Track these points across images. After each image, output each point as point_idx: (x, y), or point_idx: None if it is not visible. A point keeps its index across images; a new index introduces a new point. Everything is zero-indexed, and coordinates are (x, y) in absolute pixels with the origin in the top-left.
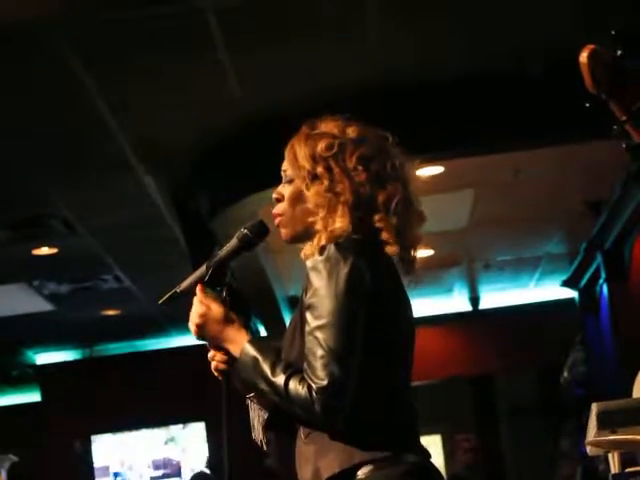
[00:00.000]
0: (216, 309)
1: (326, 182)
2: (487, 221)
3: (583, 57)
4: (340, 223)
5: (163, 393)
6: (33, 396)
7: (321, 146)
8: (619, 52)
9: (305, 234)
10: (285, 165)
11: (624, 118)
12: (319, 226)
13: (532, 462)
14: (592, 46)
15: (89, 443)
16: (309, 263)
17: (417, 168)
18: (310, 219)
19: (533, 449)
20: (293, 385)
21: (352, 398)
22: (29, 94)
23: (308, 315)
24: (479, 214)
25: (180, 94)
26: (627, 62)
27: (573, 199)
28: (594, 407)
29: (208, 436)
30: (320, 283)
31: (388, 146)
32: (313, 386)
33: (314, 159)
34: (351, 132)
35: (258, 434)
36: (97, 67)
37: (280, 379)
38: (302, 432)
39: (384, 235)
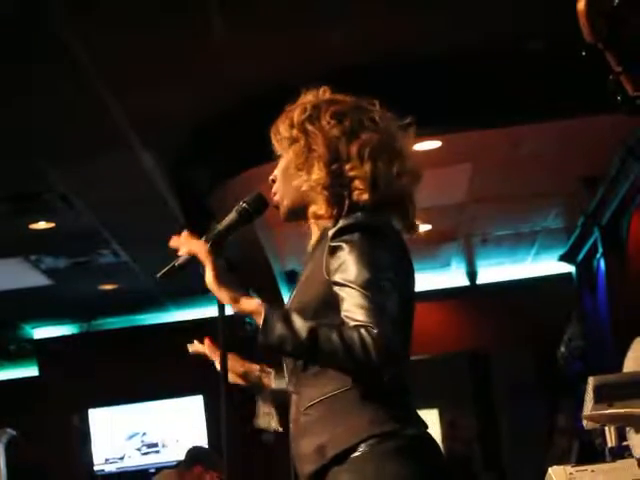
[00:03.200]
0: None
1: (302, 141)
2: (485, 196)
3: (580, 5)
4: (316, 175)
5: (161, 367)
6: (31, 370)
7: (297, 112)
8: (617, 1)
9: (299, 205)
10: (273, 145)
11: (620, 69)
12: (305, 187)
13: (529, 437)
14: None
15: (87, 417)
16: (334, 243)
17: (414, 141)
18: (295, 182)
19: (530, 424)
20: (344, 332)
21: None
22: (26, 69)
23: (340, 275)
24: (477, 189)
25: (178, 68)
26: (625, 11)
27: (571, 174)
28: (591, 381)
29: (206, 409)
30: (347, 256)
31: (368, 106)
32: (372, 331)
33: (292, 126)
34: (324, 94)
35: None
36: (94, 41)
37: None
38: (300, 404)
39: (356, 183)
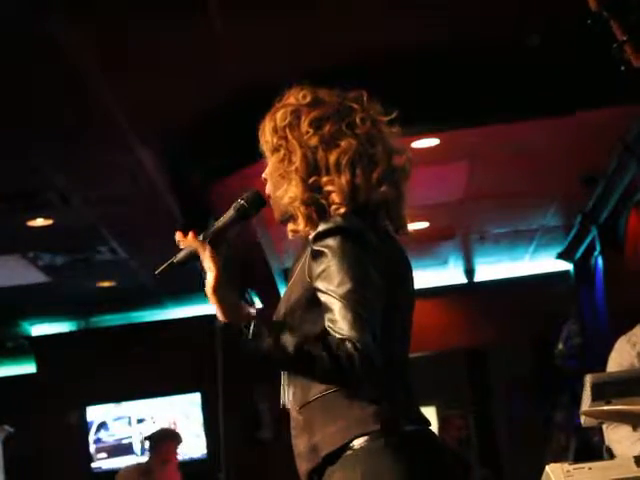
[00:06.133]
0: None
1: (282, 152)
2: (482, 193)
3: None
4: (292, 193)
5: (158, 364)
6: (28, 367)
7: (278, 117)
8: None
9: (286, 215)
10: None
11: (624, 38)
12: (285, 200)
13: (526, 434)
14: None
15: (84, 414)
16: (316, 247)
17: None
18: (278, 193)
19: (527, 421)
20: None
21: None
22: (25, 66)
23: (323, 283)
24: (474, 186)
25: (176, 64)
26: None
27: (569, 172)
28: (588, 378)
29: (204, 407)
30: (329, 263)
31: (352, 104)
32: (353, 339)
33: (275, 132)
34: (304, 97)
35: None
36: (93, 40)
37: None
38: (295, 402)
39: (333, 197)
